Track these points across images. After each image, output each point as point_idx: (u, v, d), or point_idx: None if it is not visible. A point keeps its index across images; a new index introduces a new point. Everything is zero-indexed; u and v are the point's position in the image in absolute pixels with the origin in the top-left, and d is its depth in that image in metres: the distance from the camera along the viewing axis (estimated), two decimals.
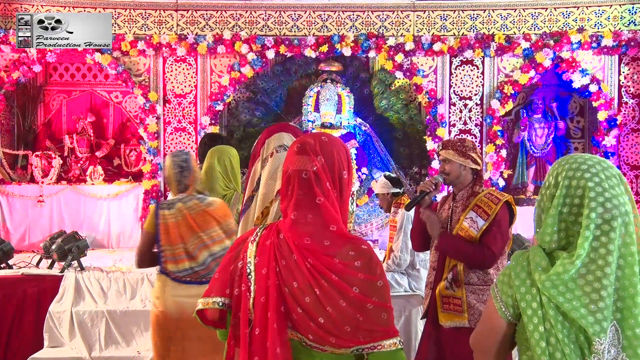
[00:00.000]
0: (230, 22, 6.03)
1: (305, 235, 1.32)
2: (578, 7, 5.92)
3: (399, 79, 6.14)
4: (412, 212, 3.80)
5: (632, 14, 5.86)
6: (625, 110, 5.97)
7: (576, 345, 1.19)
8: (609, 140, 5.83)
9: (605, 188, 1.22)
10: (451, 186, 2.82)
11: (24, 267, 4.56)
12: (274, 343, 1.26)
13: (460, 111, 6.07)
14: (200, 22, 6.02)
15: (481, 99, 6.06)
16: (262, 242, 1.37)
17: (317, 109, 6.26)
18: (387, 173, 4.14)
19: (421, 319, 2.87)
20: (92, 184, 6.10)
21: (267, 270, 1.32)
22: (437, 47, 5.87)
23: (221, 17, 6.03)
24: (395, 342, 1.29)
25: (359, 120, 6.46)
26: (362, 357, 1.33)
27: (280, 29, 6.04)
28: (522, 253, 1.33)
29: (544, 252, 1.28)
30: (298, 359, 1.31)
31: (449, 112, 6.07)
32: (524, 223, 5.50)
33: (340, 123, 6.26)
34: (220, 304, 1.36)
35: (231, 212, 2.82)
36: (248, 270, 1.35)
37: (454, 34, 5.98)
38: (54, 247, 4.44)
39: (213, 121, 6.00)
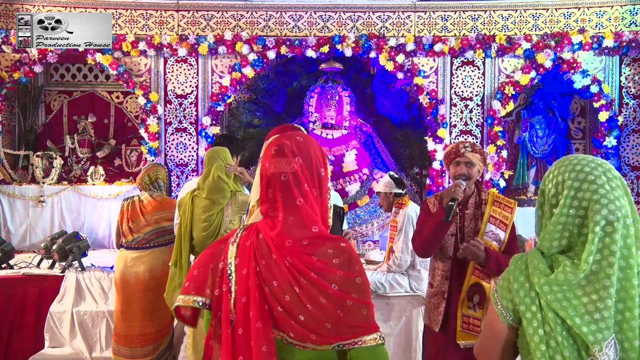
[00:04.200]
0: (231, 23, 6.03)
1: (286, 236, 1.34)
2: (579, 8, 5.92)
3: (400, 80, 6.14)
4: (413, 213, 3.84)
5: (633, 14, 5.86)
6: (626, 111, 5.97)
7: (574, 348, 1.19)
8: (610, 141, 5.83)
9: (611, 199, 1.22)
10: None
11: (25, 267, 4.57)
12: (258, 342, 1.27)
13: (461, 112, 6.07)
14: (201, 23, 6.03)
15: (482, 100, 6.06)
16: (242, 243, 1.39)
17: (317, 109, 6.27)
18: (392, 173, 4.15)
19: (438, 331, 2.75)
20: (93, 184, 6.11)
21: (248, 270, 1.34)
22: (438, 47, 5.87)
23: (222, 17, 6.04)
24: (376, 337, 1.31)
25: (360, 120, 6.47)
26: (344, 352, 1.35)
27: (281, 29, 6.04)
28: (521, 257, 1.33)
29: (542, 255, 1.28)
30: (281, 357, 1.32)
31: (450, 113, 6.06)
32: (524, 223, 5.54)
33: (341, 123, 6.26)
34: (200, 304, 1.37)
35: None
36: (229, 271, 1.36)
37: (455, 35, 5.98)
38: (54, 247, 4.44)
39: (214, 122, 6.00)
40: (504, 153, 5.96)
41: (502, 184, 5.92)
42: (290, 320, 1.29)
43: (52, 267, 4.50)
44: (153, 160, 5.99)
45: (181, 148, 6.12)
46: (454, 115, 6.07)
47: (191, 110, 6.11)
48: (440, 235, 2.64)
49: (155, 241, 3.71)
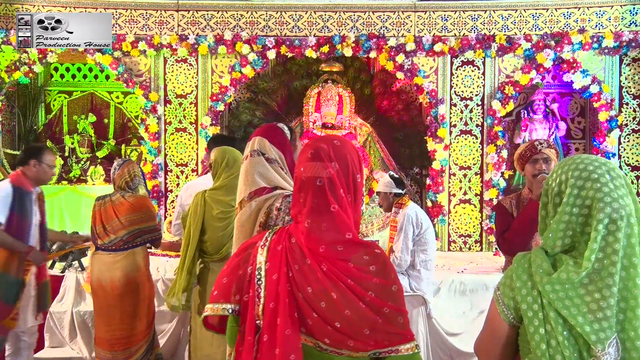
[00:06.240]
0: (231, 23, 6.03)
1: (320, 242, 1.30)
2: (579, 8, 5.92)
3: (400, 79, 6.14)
4: (413, 213, 3.84)
5: (633, 14, 5.86)
6: (626, 111, 5.97)
7: (575, 348, 1.19)
8: (610, 141, 5.83)
9: (614, 198, 1.21)
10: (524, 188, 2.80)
11: None
12: (286, 349, 1.24)
13: (461, 112, 6.07)
14: (201, 23, 6.02)
15: (482, 100, 6.06)
16: (272, 247, 1.35)
17: (318, 109, 6.27)
18: (392, 173, 4.16)
19: None
20: (93, 184, 6.11)
21: (278, 275, 1.30)
22: (438, 47, 5.87)
23: (222, 17, 6.03)
24: (412, 346, 1.29)
25: (360, 120, 6.47)
26: None
27: (281, 29, 6.04)
28: (524, 255, 1.33)
29: (546, 254, 1.28)
30: None
31: (450, 113, 6.06)
32: None
33: (341, 123, 6.26)
34: (230, 311, 1.34)
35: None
36: (258, 276, 1.32)
37: (455, 35, 5.98)
38: (54, 247, 4.44)
39: (214, 121, 6.00)
40: (504, 153, 5.96)
41: (502, 184, 5.92)
42: (327, 326, 1.25)
43: (52, 267, 4.50)
44: (153, 161, 5.99)
45: (181, 148, 6.12)
46: (454, 115, 6.07)
47: (191, 110, 6.11)
48: (536, 226, 2.65)
49: (133, 242, 3.53)
